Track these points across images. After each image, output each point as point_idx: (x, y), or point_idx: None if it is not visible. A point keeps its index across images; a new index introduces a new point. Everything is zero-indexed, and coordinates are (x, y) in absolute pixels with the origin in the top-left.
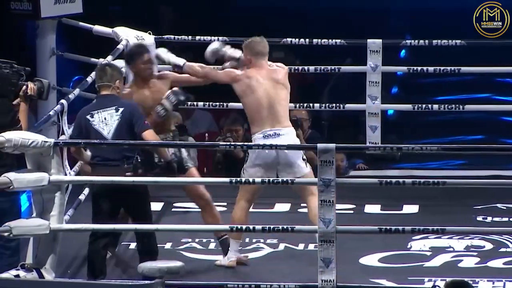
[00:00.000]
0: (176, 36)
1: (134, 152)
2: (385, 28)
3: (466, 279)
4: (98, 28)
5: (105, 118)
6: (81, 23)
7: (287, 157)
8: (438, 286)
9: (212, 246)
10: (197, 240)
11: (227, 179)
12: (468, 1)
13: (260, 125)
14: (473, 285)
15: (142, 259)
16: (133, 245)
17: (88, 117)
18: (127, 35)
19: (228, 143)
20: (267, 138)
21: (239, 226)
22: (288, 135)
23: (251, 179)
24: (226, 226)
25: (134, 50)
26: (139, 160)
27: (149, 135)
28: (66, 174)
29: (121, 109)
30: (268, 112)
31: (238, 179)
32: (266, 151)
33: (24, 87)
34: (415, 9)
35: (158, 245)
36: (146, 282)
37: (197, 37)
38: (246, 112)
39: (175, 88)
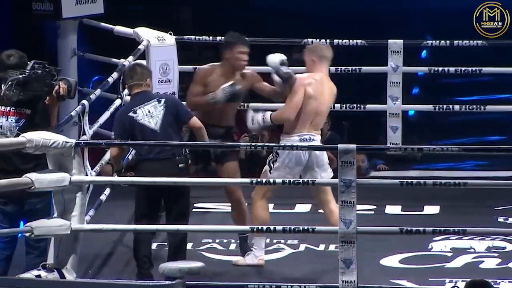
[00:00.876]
0: (196, 37)
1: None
2: (405, 28)
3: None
4: (119, 28)
5: (149, 111)
6: (102, 24)
7: (318, 159)
8: (458, 287)
9: (232, 247)
10: (217, 240)
11: (248, 180)
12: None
13: (300, 128)
14: (495, 286)
15: (170, 259)
16: (153, 246)
17: (130, 114)
18: (148, 36)
19: (249, 143)
20: (303, 142)
21: (259, 227)
22: (318, 141)
23: (271, 180)
24: (247, 227)
25: (236, 37)
26: (188, 152)
27: (197, 121)
28: (87, 175)
29: (163, 100)
30: (315, 118)
31: (259, 179)
32: (300, 153)
33: (56, 87)
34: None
35: None
36: (167, 282)
37: (218, 38)
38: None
39: (232, 82)
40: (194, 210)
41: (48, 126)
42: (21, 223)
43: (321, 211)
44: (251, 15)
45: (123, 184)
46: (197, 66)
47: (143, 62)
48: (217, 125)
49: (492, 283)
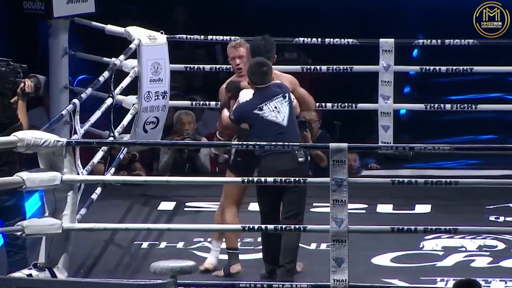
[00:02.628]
0: (188, 36)
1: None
2: (398, 27)
3: (478, 279)
4: (110, 27)
5: (275, 107)
6: (93, 23)
7: None
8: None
9: (223, 245)
10: (209, 239)
11: (239, 179)
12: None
13: None
14: (486, 285)
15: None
16: (145, 245)
17: (256, 111)
18: (139, 35)
19: (240, 142)
20: None
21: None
22: None
23: (263, 179)
24: (239, 226)
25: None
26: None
27: None
28: (78, 174)
29: (287, 95)
30: None
31: (251, 178)
32: None
33: (22, 84)
34: (428, 9)
35: (171, 245)
36: (159, 281)
37: (209, 37)
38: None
39: None
40: (185, 209)
41: (16, 124)
42: None
43: (312, 209)
44: (244, 15)
45: (115, 183)
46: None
47: (134, 61)
48: None
49: (483, 282)
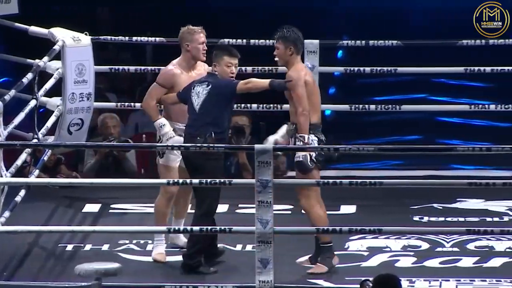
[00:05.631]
0: (113, 37)
1: (220, 127)
2: (323, 28)
3: (402, 279)
4: (34, 29)
5: (198, 92)
6: (16, 24)
7: None
8: (369, 280)
9: (149, 247)
10: (134, 241)
11: (164, 181)
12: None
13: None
14: (410, 285)
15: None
16: (70, 247)
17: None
18: (63, 36)
19: (166, 144)
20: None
21: (176, 227)
22: None
23: (188, 180)
24: (164, 228)
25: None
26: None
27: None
28: (2, 176)
29: (210, 85)
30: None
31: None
32: None
33: None
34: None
35: (96, 247)
36: (83, 284)
37: (134, 38)
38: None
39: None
40: (111, 211)
41: None
42: None
43: (238, 211)
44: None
45: (52, 186)
46: (113, 66)
47: (59, 62)
48: None
49: (408, 282)
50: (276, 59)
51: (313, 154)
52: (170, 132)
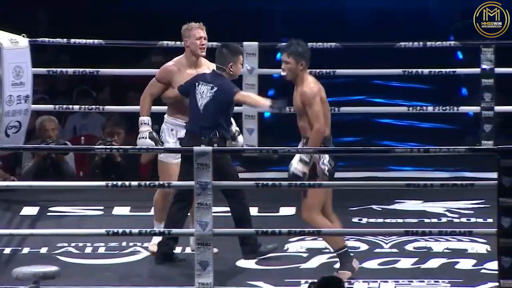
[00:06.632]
0: (51, 39)
1: (222, 127)
2: (263, 30)
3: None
4: None
5: (203, 92)
6: None
7: None
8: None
9: (88, 250)
10: (73, 244)
11: (103, 183)
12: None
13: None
14: (349, 286)
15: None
16: (7, 250)
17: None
18: (1, 38)
19: (105, 147)
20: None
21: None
22: None
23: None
24: (103, 230)
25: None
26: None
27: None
28: None
29: (215, 88)
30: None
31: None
32: None
33: None
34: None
35: (34, 250)
36: (21, 287)
37: (72, 40)
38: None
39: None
40: (49, 214)
41: None
42: None
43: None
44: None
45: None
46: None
47: None
48: None
49: (347, 283)
50: (283, 73)
51: (326, 167)
52: (145, 132)
